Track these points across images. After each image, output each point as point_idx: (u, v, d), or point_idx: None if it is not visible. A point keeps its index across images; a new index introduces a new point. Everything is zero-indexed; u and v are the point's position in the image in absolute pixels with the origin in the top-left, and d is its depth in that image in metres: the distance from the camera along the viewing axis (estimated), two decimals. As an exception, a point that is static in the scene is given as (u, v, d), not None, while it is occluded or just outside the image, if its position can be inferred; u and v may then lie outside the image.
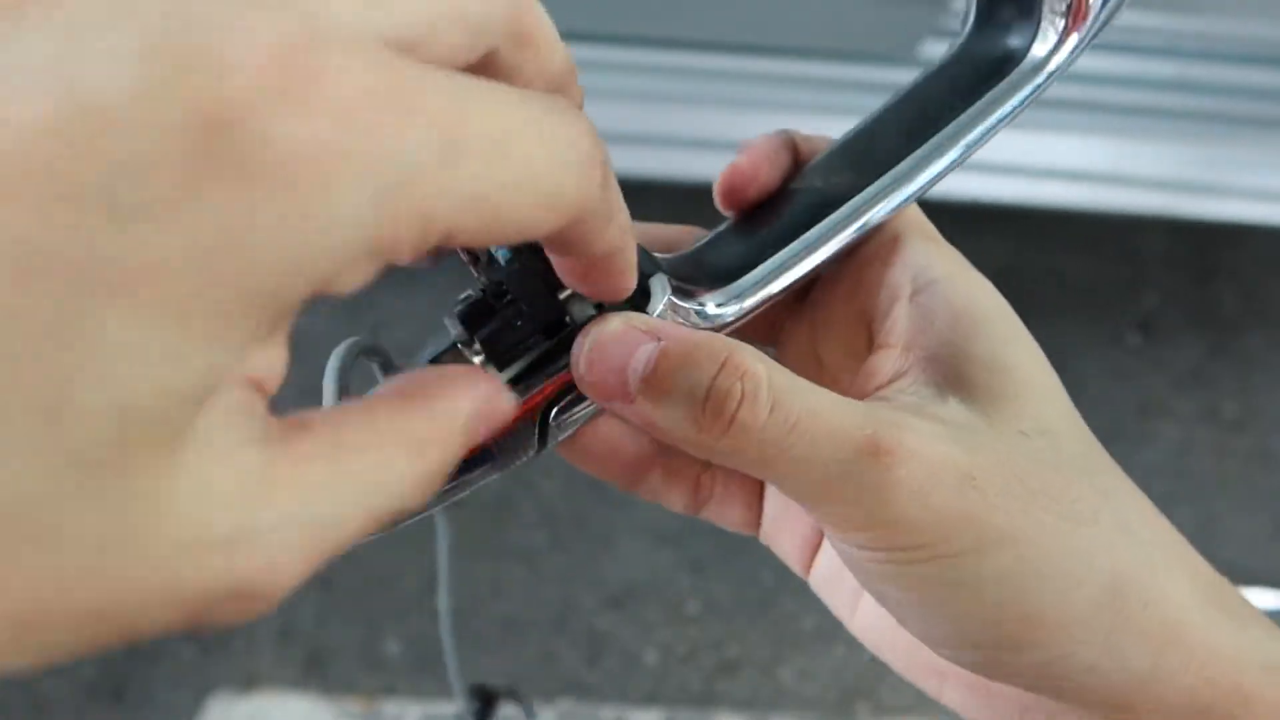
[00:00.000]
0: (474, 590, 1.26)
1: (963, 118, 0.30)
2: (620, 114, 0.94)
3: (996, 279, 0.30)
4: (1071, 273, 1.39)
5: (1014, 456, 0.26)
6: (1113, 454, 0.28)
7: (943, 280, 0.28)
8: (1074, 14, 0.29)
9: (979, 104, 0.30)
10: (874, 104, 0.31)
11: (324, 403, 0.25)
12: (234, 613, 0.17)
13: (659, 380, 0.25)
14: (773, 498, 0.34)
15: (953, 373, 0.27)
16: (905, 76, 0.31)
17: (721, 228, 0.31)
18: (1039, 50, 0.30)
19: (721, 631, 1.25)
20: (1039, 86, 0.30)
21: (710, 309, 0.28)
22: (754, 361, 0.25)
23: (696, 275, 0.29)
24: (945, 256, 0.29)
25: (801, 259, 0.29)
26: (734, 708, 1.22)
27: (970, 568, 0.25)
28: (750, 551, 0.88)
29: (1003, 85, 0.30)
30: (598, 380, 0.26)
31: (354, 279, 0.17)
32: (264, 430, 0.17)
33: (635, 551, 1.28)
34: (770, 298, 0.29)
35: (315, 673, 1.21)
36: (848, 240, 0.29)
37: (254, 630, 1.22)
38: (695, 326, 0.28)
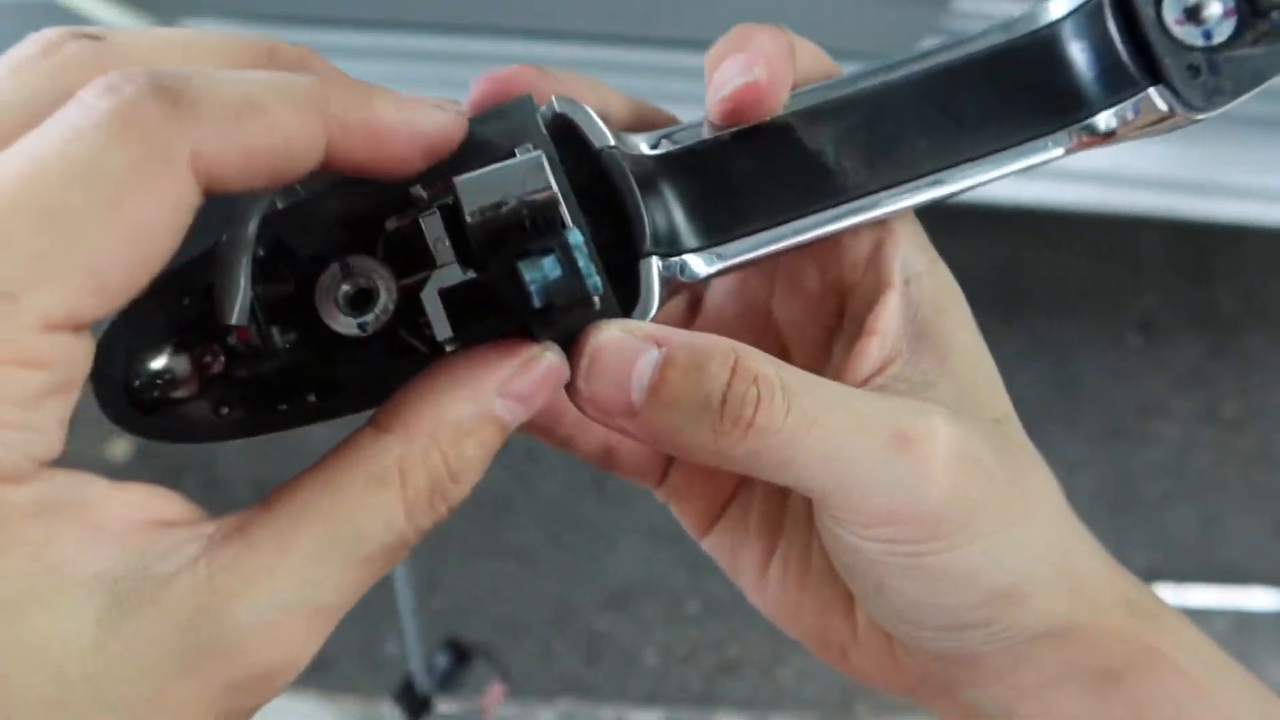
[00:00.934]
0: (474, 590, 1.25)
1: (998, 156, 0.28)
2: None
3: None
4: (1071, 273, 1.39)
5: (996, 443, 0.27)
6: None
7: (925, 272, 0.29)
8: (1147, 120, 0.28)
9: (1018, 148, 0.28)
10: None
11: (229, 264, 0.23)
12: (259, 696, 0.20)
13: (666, 391, 0.24)
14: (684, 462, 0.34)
15: (938, 360, 0.28)
16: None
17: (708, 134, 0.28)
18: (1104, 121, 0.28)
19: (721, 631, 1.25)
20: (1068, 154, 0.29)
21: (694, 267, 0.27)
22: (763, 363, 0.25)
23: (679, 190, 0.27)
24: (925, 247, 0.30)
25: (798, 237, 0.28)
26: (734, 708, 1.22)
27: (979, 554, 0.26)
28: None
29: (1052, 138, 0.28)
30: (598, 395, 0.24)
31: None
32: (203, 545, 0.20)
33: (635, 551, 1.27)
34: (752, 262, 0.28)
35: (316, 673, 1.21)
36: (846, 229, 0.28)
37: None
38: (676, 283, 0.27)
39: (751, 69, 0.27)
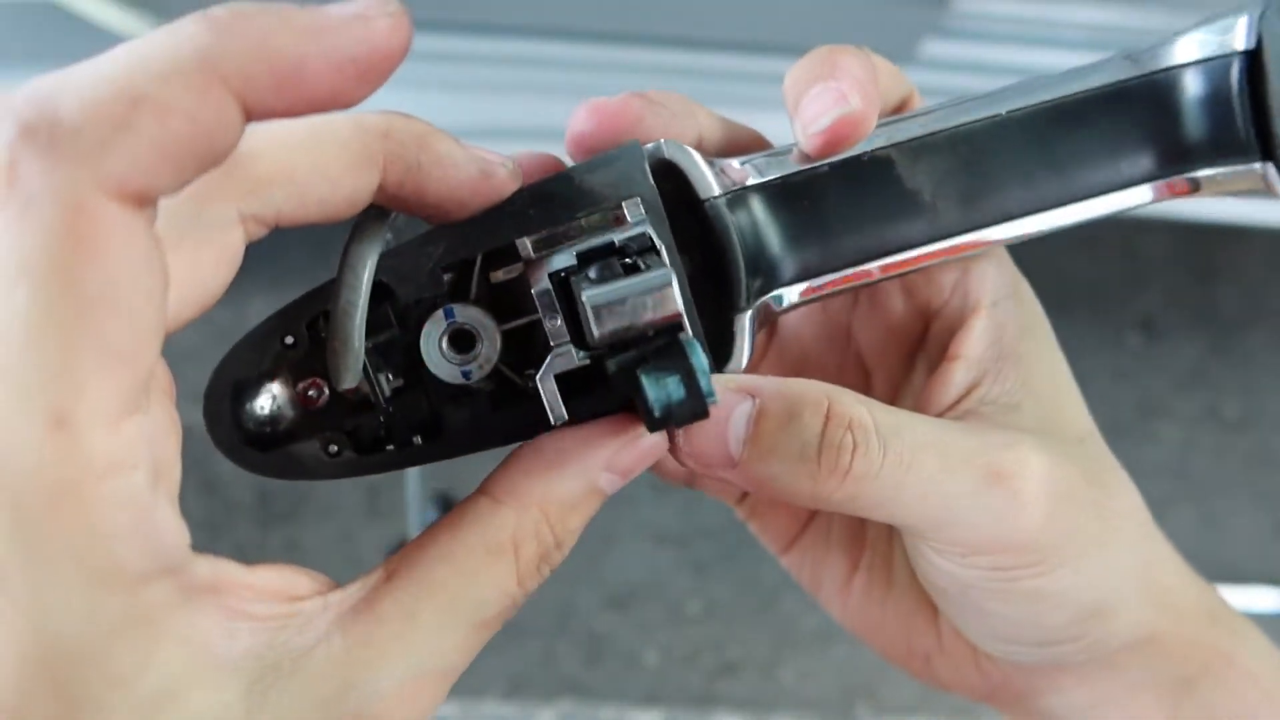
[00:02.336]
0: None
1: (1093, 202, 0.28)
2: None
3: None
4: (1072, 273, 1.39)
5: (1082, 464, 0.27)
6: (1113, 454, 0.30)
7: (1011, 294, 0.29)
8: (1242, 187, 0.27)
9: (1114, 196, 0.28)
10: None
11: (343, 328, 0.23)
12: None
13: (762, 442, 0.24)
14: None
15: (1022, 382, 0.28)
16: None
17: (800, 162, 0.27)
18: (1201, 176, 0.28)
19: (722, 632, 1.25)
20: (1155, 200, 0.28)
21: (787, 299, 0.27)
22: (856, 406, 0.25)
23: (778, 221, 0.27)
24: (1010, 269, 0.30)
25: (889, 272, 0.28)
26: (734, 708, 1.22)
27: (1072, 575, 0.26)
28: (751, 552, 0.87)
29: (1145, 189, 0.28)
30: (697, 450, 0.25)
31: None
32: (334, 617, 0.21)
33: (636, 552, 1.27)
34: (842, 292, 0.28)
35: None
36: (933, 265, 0.28)
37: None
38: (770, 312, 0.27)
39: (846, 99, 0.26)
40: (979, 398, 0.28)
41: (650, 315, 0.23)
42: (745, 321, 0.26)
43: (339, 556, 1.23)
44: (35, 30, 0.88)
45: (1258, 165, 0.27)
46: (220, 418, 0.24)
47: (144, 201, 0.17)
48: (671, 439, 0.25)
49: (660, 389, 0.22)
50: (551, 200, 0.24)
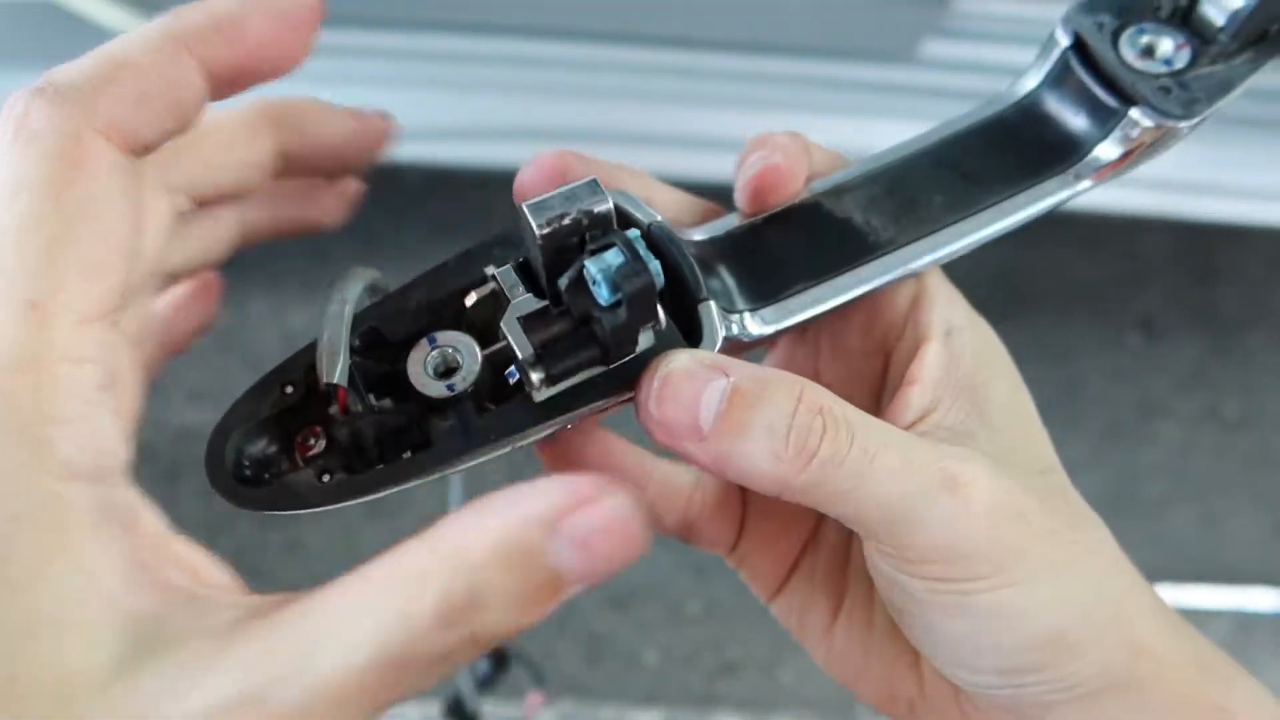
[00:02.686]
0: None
1: (1016, 200, 0.31)
2: (620, 114, 0.94)
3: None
4: (1072, 273, 1.39)
5: (1040, 494, 0.28)
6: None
7: (966, 326, 0.30)
8: (1142, 140, 0.31)
9: (1033, 190, 0.31)
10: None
11: (330, 335, 0.26)
12: None
13: (734, 418, 0.25)
14: (755, 520, 0.35)
15: (977, 412, 0.29)
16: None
17: (746, 222, 0.31)
18: (1104, 153, 0.31)
19: (722, 632, 1.25)
20: (1093, 187, 0.32)
21: (750, 328, 0.29)
22: (827, 397, 0.26)
23: (727, 267, 0.30)
24: (962, 303, 0.31)
25: (841, 294, 0.30)
26: (734, 708, 1.22)
27: (1021, 596, 0.26)
28: (750, 552, 0.87)
29: (1062, 179, 0.31)
30: (668, 419, 0.25)
31: None
32: (235, 614, 0.19)
33: (635, 552, 1.27)
34: (803, 323, 0.29)
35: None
36: (884, 285, 0.30)
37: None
38: (735, 342, 0.28)
39: (770, 157, 0.30)
40: (934, 423, 0.29)
41: (580, 204, 0.24)
42: (710, 308, 0.28)
43: (340, 556, 1.23)
44: (35, 30, 0.88)
45: (1131, 111, 0.31)
46: (220, 463, 0.26)
47: (132, 145, 0.22)
48: (642, 405, 0.26)
49: (600, 262, 0.24)
50: (511, 241, 0.28)
